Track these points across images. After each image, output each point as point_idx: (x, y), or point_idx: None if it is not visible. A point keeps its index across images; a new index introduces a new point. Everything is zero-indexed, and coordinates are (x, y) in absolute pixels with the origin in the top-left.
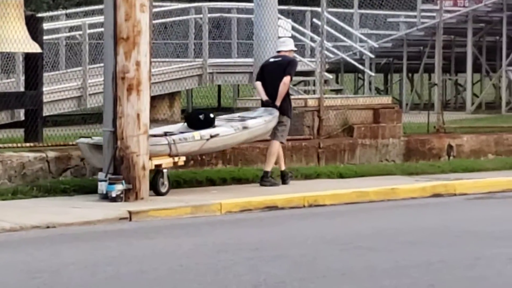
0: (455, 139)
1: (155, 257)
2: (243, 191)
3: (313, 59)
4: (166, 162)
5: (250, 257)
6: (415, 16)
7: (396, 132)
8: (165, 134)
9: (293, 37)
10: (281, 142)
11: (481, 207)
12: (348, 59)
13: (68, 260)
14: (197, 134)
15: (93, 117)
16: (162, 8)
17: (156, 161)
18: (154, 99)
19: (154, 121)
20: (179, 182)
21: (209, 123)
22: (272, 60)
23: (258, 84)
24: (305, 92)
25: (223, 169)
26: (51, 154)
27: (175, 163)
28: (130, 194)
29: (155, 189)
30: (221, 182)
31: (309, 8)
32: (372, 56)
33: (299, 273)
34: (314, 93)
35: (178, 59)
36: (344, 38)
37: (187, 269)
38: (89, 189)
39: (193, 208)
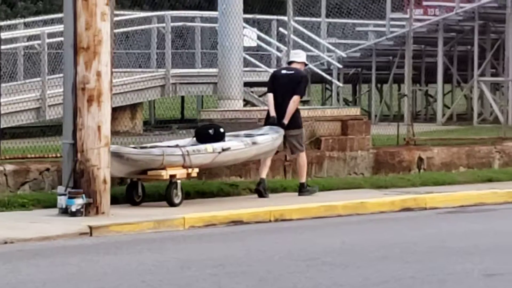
0: (426, 152)
1: (116, 274)
2: (208, 205)
3: None
4: (180, 173)
5: (214, 273)
6: (384, 25)
7: (365, 144)
8: (177, 146)
9: (258, 46)
10: (302, 151)
11: (452, 221)
12: (316, 69)
13: (27, 278)
14: (209, 146)
15: (53, 129)
16: (124, 17)
17: (171, 172)
18: (115, 111)
19: (115, 133)
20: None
21: (219, 138)
22: (284, 72)
23: (270, 96)
24: None
25: (187, 182)
26: (9, 167)
27: (188, 174)
28: (90, 208)
29: (169, 200)
30: (184, 196)
31: (275, 17)
32: (340, 66)
33: None
34: None
35: (140, 69)
36: (311, 48)
37: (149, 285)
38: (49, 203)
39: (156, 222)
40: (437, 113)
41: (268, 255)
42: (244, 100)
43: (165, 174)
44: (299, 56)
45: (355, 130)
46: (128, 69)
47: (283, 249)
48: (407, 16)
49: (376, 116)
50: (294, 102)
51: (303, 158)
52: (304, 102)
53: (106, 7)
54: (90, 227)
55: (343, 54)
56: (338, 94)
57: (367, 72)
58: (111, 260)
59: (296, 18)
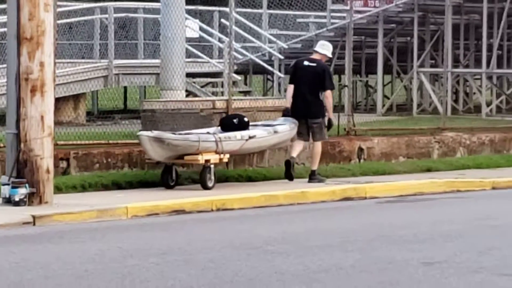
0: (366, 142)
1: (59, 263)
2: (150, 194)
3: (221, 60)
4: (213, 158)
5: (157, 262)
6: (325, 17)
7: None
8: (209, 133)
9: (200, 37)
10: (325, 140)
11: (392, 210)
12: (257, 60)
13: None
14: (238, 134)
15: None
16: (67, 8)
17: (206, 157)
18: (58, 101)
19: (58, 124)
20: (84, 186)
21: (243, 127)
22: (306, 63)
23: (291, 88)
24: (213, 93)
25: (129, 172)
26: None
27: (220, 159)
28: (34, 198)
29: (203, 184)
30: (127, 185)
31: (217, 8)
32: (281, 57)
33: (207, 278)
34: (222, 95)
35: (83, 60)
36: (253, 39)
37: (92, 274)
38: None
39: (99, 212)
40: (377, 104)
41: (210, 244)
42: (187, 90)
43: (201, 158)
44: (324, 48)
45: None
46: (71, 60)
47: (225, 238)
48: (348, 7)
49: None
50: (328, 98)
51: (319, 146)
52: (245, 93)
53: None
54: (33, 217)
55: (285, 45)
56: (279, 85)
57: None
58: (54, 249)
59: (238, 9)
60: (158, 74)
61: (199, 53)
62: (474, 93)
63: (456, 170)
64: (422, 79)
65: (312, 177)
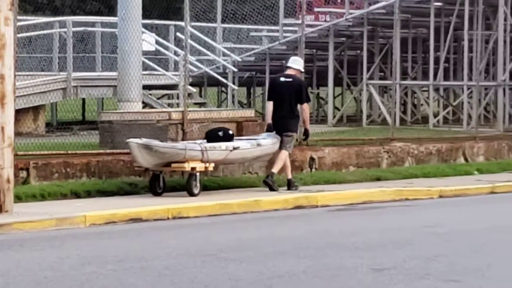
0: (317, 152)
1: (19, 270)
2: (108, 203)
3: (176, 73)
4: (199, 166)
5: (114, 269)
6: (277, 31)
7: None
8: (195, 143)
9: (156, 51)
10: (289, 152)
11: (342, 218)
12: (212, 72)
13: None
14: (223, 144)
15: None
16: (27, 22)
17: (192, 164)
18: (18, 112)
19: (18, 134)
20: (43, 195)
21: (228, 139)
22: (282, 79)
23: (270, 105)
24: (169, 105)
25: (87, 181)
26: None
27: (206, 168)
28: None
29: (189, 191)
30: (85, 194)
31: (172, 22)
32: (235, 69)
33: (163, 285)
34: (178, 106)
35: (43, 73)
36: (208, 52)
37: (52, 281)
38: None
39: (58, 220)
40: (328, 115)
41: (166, 252)
42: (143, 102)
43: (187, 166)
44: (297, 64)
45: (250, 131)
46: (31, 73)
47: (181, 245)
48: (299, 21)
49: None
50: (305, 110)
51: (284, 153)
52: (200, 104)
53: (10, 12)
54: None
55: (238, 58)
56: (233, 97)
57: (261, 76)
58: (14, 256)
59: (193, 23)
60: (115, 86)
61: (155, 66)
62: (422, 105)
63: (405, 179)
64: (372, 91)
65: (270, 178)
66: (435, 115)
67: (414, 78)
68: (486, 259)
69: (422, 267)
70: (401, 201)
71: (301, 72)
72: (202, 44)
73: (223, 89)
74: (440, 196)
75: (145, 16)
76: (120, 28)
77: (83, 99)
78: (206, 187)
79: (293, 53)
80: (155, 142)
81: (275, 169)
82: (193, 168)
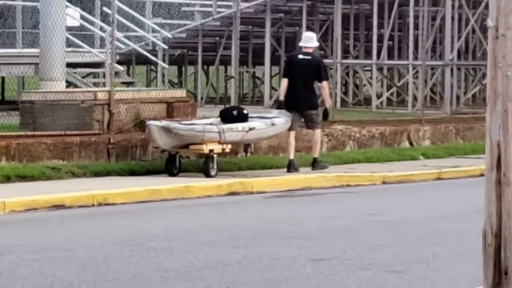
0: None
1: None
2: (29, 189)
3: (103, 50)
4: (217, 148)
5: (35, 259)
6: (211, 5)
7: None
8: (212, 124)
9: (81, 26)
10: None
11: (280, 205)
12: (140, 50)
13: None
14: (240, 125)
15: None
16: None
17: (210, 146)
18: None
19: None
20: None
21: (242, 119)
22: (301, 57)
23: (285, 82)
24: (95, 84)
25: (6, 166)
26: None
27: (223, 149)
28: None
29: (206, 172)
30: (4, 179)
31: None
32: (166, 47)
33: (87, 275)
34: (104, 86)
35: None
36: (136, 28)
37: None
38: None
39: None
40: (265, 96)
41: (91, 241)
42: (67, 81)
43: (205, 148)
44: (313, 42)
45: (181, 112)
46: None
47: (107, 234)
48: None
49: (202, 98)
50: (324, 88)
51: (318, 134)
52: (128, 84)
53: None
54: None
55: (169, 35)
56: (163, 76)
57: (193, 53)
58: None
59: None
60: (37, 64)
61: (80, 43)
62: (364, 85)
63: (346, 164)
64: None
65: (315, 164)
66: (379, 96)
67: (356, 57)
68: (432, 249)
69: (365, 257)
70: (342, 187)
71: (316, 46)
72: (130, 19)
73: (152, 67)
74: (384, 182)
75: None
76: (42, 2)
77: (2, 78)
78: (133, 172)
79: (228, 30)
80: (174, 124)
81: (317, 154)
82: (211, 150)
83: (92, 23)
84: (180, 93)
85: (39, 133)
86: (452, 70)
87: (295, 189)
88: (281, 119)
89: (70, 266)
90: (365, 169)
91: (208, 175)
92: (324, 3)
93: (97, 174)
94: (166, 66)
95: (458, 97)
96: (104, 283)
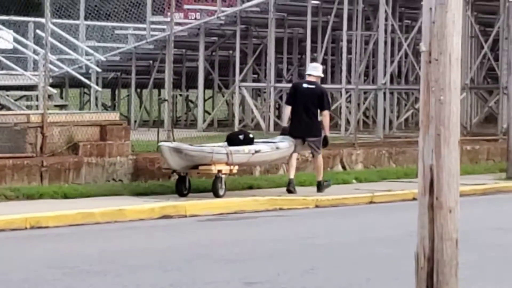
0: None
1: None
2: None
3: (36, 73)
4: (225, 169)
5: None
6: (144, 29)
7: (124, 150)
8: (220, 146)
9: (14, 49)
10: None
11: (213, 229)
12: (74, 73)
13: None
14: (246, 148)
15: None
16: None
17: (218, 167)
18: None
19: None
20: None
21: (248, 142)
22: (305, 86)
23: (288, 109)
24: (28, 107)
25: None
26: None
27: (231, 170)
28: None
29: (215, 192)
30: None
31: (32, 19)
32: (99, 70)
33: None
34: (37, 109)
35: None
36: (70, 51)
37: None
38: None
39: None
40: (198, 119)
41: (24, 264)
42: (0, 104)
43: (214, 169)
44: (317, 71)
45: (114, 136)
46: None
47: (40, 257)
48: (168, 19)
49: (136, 121)
50: (325, 116)
51: (319, 160)
52: (61, 107)
53: None
54: None
55: (102, 58)
56: (96, 99)
57: (127, 76)
58: None
59: (54, 20)
60: None
61: (13, 65)
62: None
63: (279, 188)
64: (244, 94)
65: (320, 187)
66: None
67: (290, 81)
68: (365, 273)
69: (298, 280)
70: (275, 210)
71: (322, 76)
72: (63, 42)
73: (86, 90)
74: (317, 206)
75: (2, 11)
76: None
77: None
78: (66, 195)
79: (161, 53)
80: (185, 146)
81: (319, 177)
82: (219, 171)
83: (25, 46)
84: (114, 116)
85: None
86: (384, 94)
87: (228, 213)
88: (285, 143)
89: None
90: (298, 193)
91: (217, 195)
92: (257, 27)
93: (30, 197)
94: (100, 89)
95: (391, 121)
96: None
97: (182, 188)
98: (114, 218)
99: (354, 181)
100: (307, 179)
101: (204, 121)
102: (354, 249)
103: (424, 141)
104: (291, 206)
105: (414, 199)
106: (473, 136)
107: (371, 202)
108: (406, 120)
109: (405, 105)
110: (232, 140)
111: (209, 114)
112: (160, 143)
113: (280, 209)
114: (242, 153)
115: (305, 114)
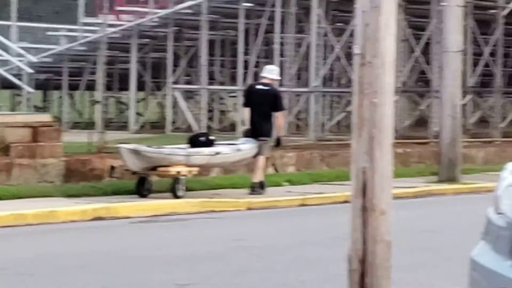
0: (118, 160)
1: None
2: None
3: None
4: (184, 170)
5: None
6: (77, 30)
7: (56, 151)
8: (179, 148)
9: None
10: (265, 156)
11: (145, 230)
12: (5, 74)
13: None
14: (206, 150)
15: None
16: None
17: (177, 169)
18: None
19: None
20: None
21: (209, 144)
22: (259, 87)
23: (247, 111)
24: None
25: None
26: None
27: (190, 171)
28: None
29: (174, 193)
30: None
31: None
32: (31, 71)
33: None
34: None
35: None
36: (1, 52)
37: None
38: None
39: None
40: (130, 121)
41: None
42: None
43: (173, 170)
44: (273, 73)
45: (46, 137)
46: None
47: None
48: (101, 21)
49: (67, 123)
50: (278, 118)
51: (261, 161)
52: None
53: None
54: None
55: (34, 59)
56: (28, 100)
57: (59, 78)
58: None
59: None
60: None
61: None
62: (230, 111)
63: (211, 190)
64: (177, 96)
65: (255, 189)
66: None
67: (222, 83)
68: (298, 275)
69: (230, 282)
70: (207, 213)
71: (278, 79)
72: None
73: (17, 92)
74: (249, 208)
75: None
76: None
77: None
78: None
79: (94, 55)
80: (142, 147)
81: (256, 179)
82: (178, 172)
83: None
84: (45, 117)
85: None
86: (317, 96)
87: (160, 215)
88: (247, 145)
89: None
90: (230, 195)
91: (176, 195)
92: (190, 29)
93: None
94: (32, 90)
95: (323, 124)
96: None
97: (142, 189)
98: (46, 219)
99: (286, 183)
100: (239, 181)
101: (136, 123)
102: (286, 252)
103: (357, 144)
104: (223, 208)
105: (345, 201)
106: (404, 139)
107: (302, 205)
108: (338, 123)
109: (337, 107)
110: (194, 142)
111: (142, 116)
112: (118, 145)
113: (212, 211)
114: (201, 154)
115: (257, 116)
